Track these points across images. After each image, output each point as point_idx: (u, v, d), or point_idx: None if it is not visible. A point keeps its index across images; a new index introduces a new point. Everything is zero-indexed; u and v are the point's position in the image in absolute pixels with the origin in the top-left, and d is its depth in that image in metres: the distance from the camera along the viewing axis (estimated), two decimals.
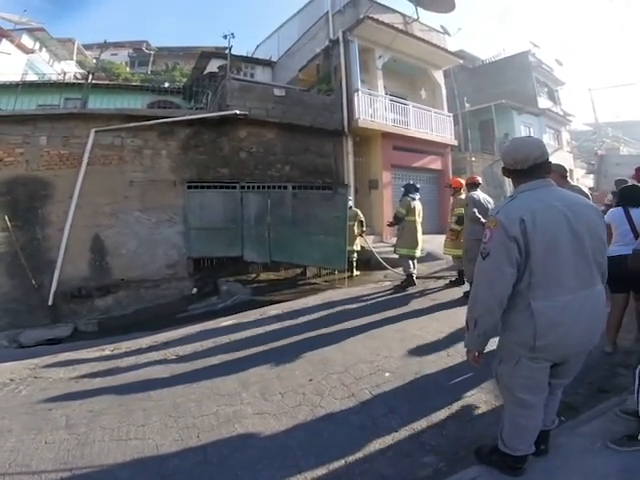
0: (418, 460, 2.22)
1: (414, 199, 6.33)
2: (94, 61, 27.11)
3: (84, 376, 3.80)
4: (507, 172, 1.87)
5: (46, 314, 7.40)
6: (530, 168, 1.75)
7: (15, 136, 7.54)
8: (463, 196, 5.87)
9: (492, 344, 1.92)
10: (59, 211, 7.64)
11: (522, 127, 17.92)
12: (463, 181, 6.11)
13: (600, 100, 32.39)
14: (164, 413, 2.90)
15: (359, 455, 2.29)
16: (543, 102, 19.79)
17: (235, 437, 2.54)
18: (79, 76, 18.49)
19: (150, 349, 4.47)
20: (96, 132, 7.82)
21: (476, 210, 5.28)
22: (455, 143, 13.07)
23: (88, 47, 27.74)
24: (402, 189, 6.66)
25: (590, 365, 2.29)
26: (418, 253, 6.35)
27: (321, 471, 2.17)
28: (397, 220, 6.30)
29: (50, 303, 7.45)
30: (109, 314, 7.57)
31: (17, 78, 13.81)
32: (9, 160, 7.47)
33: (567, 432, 2.21)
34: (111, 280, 7.86)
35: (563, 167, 3.98)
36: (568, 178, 4.26)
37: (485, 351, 1.87)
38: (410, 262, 6.27)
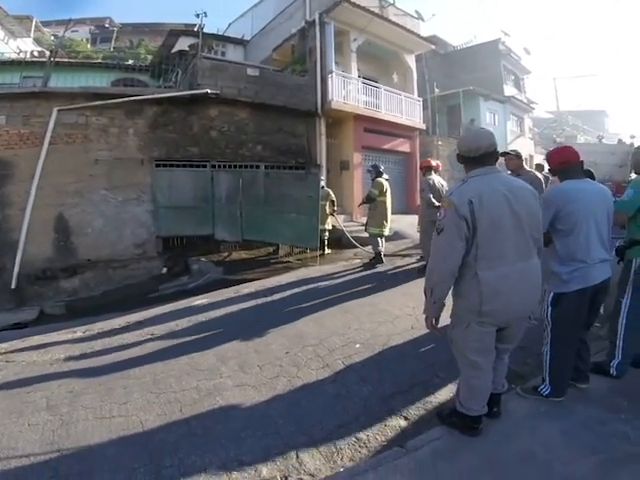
0: (388, 423, 2.40)
1: (386, 180, 6.49)
2: (52, 38, 25.54)
3: (59, 358, 3.75)
4: (461, 159, 2.10)
5: (9, 298, 7.20)
6: (481, 156, 1.99)
7: None
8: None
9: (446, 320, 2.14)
10: (20, 191, 7.39)
11: (487, 113, 18.38)
12: (433, 162, 6.25)
13: (563, 89, 33.60)
14: (145, 390, 2.93)
15: (335, 421, 2.44)
16: (509, 89, 20.31)
17: (217, 409, 2.63)
18: (36, 54, 17.43)
19: (124, 329, 4.44)
20: (59, 111, 7.56)
21: (431, 195, 5.52)
22: (424, 127, 13.34)
23: (46, 24, 26.18)
24: (370, 170, 6.78)
25: (538, 338, 2.52)
26: (387, 232, 6.55)
27: (302, 438, 2.29)
28: (369, 200, 6.44)
29: (13, 286, 7.27)
30: (76, 296, 7.42)
31: None
32: None
33: (517, 398, 2.46)
34: (77, 260, 7.69)
35: (520, 154, 4.35)
36: (524, 164, 4.59)
37: (440, 325, 2.08)
38: (379, 240, 6.47)
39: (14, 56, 15.20)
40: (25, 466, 2.18)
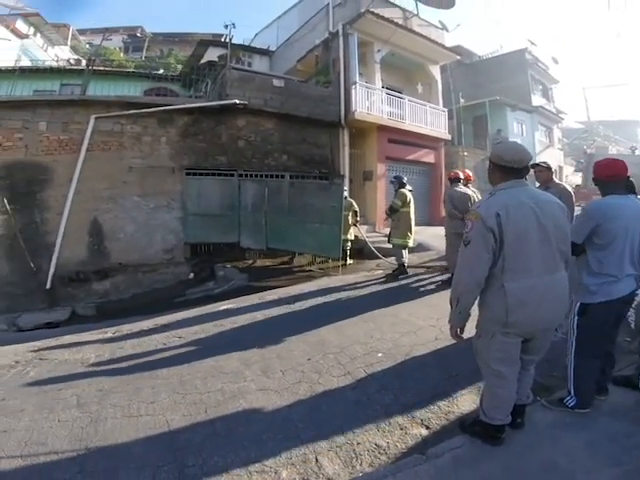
0: (409, 431, 2.41)
1: (410, 191, 6.50)
2: (87, 46, 26.69)
3: (89, 358, 3.89)
4: (497, 167, 2.09)
5: (44, 298, 7.45)
6: (522, 168, 2.03)
7: (14, 121, 7.57)
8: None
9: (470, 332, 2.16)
10: (58, 195, 7.69)
11: (515, 124, 18.12)
12: (462, 174, 6.17)
13: (594, 99, 32.76)
14: (172, 390, 3.02)
15: (355, 427, 2.46)
16: (537, 99, 19.97)
17: (241, 411, 2.70)
18: (73, 61, 18.24)
19: (151, 331, 4.59)
20: (96, 118, 7.86)
21: (452, 206, 5.51)
22: (449, 137, 13.25)
23: (82, 32, 27.37)
24: (392, 181, 6.80)
25: (565, 352, 2.50)
26: (411, 243, 6.53)
27: (322, 443, 2.33)
28: (392, 211, 6.45)
29: (48, 287, 7.51)
30: (107, 298, 7.66)
31: (10, 63, 13.61)
32: (8, 145, 7.51)
33: (541, 409, 2.45)
34: (109, 264, 7.95)
35: (550, 166, 4.28)
36: (554, 176, 4.53)
37: (465, 337, 2.12)
38: (403, 252, 6.46)
39: (53, 64, 15.87)
40: (53, 461, 2.26)
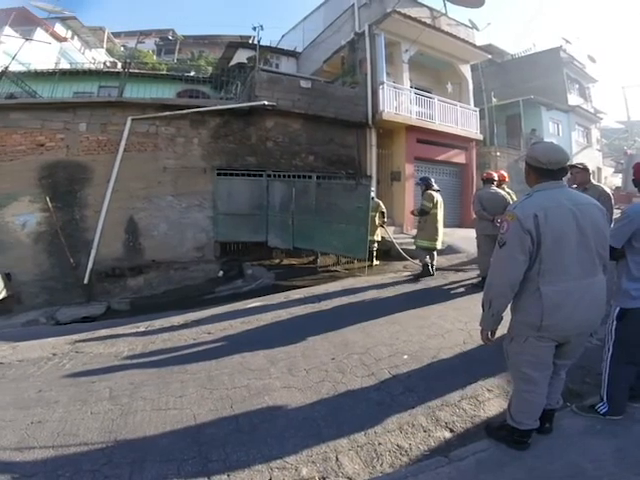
0: (432, 434, 2.39)
1: (437, 192, 6.42)
2: (122, 49, 27.63)
3: (122, 351, 4.04)
4: (533, 169, 2.05)
5: (81, 292, 7.81)
6: (559, 170, 1.98)
7: (56, 122, 7.95)
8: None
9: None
10: (97, 194, 8.03)
11: (550, 123, 17.54)
12: (496, 174, 6.01)
13: (634, 98, 31.27)
14: (200, 385, 3.09)
15: (378, 428, 2.45)
16: (573, 99, 19.26)
17: (265, 408, 2.74)
18: (109, 64, 18.87)
19: (182, 327, 4.73)
20: (133, 120, 8.16)
21: (481, 207, 5.39)
22: (480, 137, 12.97)
23: (116, 35, 28.16)
24: (418, 183, 6.73)
25: (599, 359, 2.44)
26: (439, 245, 6.45)
27: (343, 441, 2.35)
28: (422, 213, 6.38)
29: (85, 282, 7.85)
30: (140, 294, 7.93)
31: (51, 66, 14.20)
32: (50, 145, 7.90)
33: (571, 415, 2.40)
34: (143, 261, 8.24)
35: (587, 167, 4.16)
36: (592, 178, 4.36)
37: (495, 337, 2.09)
38: (427, 254, 6.38)
39: (91, 66, 16.46)
40: (82, 452, 2.34)
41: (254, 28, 10.64)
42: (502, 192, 5.63)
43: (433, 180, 6.60)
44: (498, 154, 14.49)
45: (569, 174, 3.96)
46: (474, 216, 6.05)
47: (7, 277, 7.38)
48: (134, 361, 3.76)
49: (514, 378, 2.14)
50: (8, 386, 3.36)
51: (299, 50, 15.31)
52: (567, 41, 19.62)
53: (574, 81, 20.13)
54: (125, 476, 2.12)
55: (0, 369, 3.80)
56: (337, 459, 2.20)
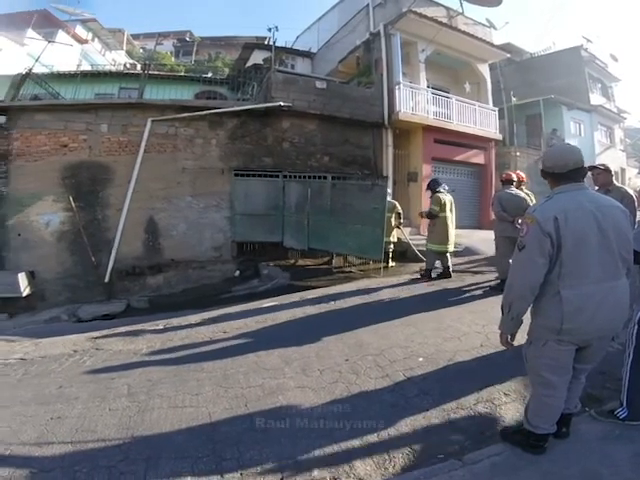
0: (446, 437, 2.35)
1: (445, 194, 6.36)
2: (141, 51, 28.12)
3: (141, 348, 4.12)
4: (545, 175, 2.06)
5: (102, 290, 7.98)
6: (568, 172, 1.94)
7: (79, 123, 8.15)
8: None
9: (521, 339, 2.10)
10: (118, 194, 8.20)
11: (572, 123, 17.12)
12: (515, 176, 5.90)
13: None
14: (215, 383, 3.12)
15: (391, 430, 2.43)
16: (596, 98, 18.73)
17: (278, 408, 2.74)
18: (129, 66, 19.23)
19: (199, 325, 4.81)
20: (152, 121, 8.30)
21: (501, 209, 5.31)
22: (500, 137, 12.78)
23: (135, 37, 28.72)
24: (428, 187, 6.68)
25: (620, 363, 2.38)
26: (451, 248, 6.39)
27: (355, 442, 2.33)
28: (430, 216, 6.36)
29: (106, 280, 8.02)
30: (159, 292, 8.08)
31: (73, 68, 14.51)
32: (74, 146, 8.10)
33: (589, 420, 2.35)
34: (162, 260, 8.38)
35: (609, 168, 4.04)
36: (614, 179, 4.24)
37: (515, 344, 2.07)
38: (436, 257, 6.36)
39: (112, 68, 16.74)
40: (100, 448, 2.38)
41: (269, 29, 10.72)
42: (522, 193, 5.54)
43: (442, 182, 6.55)
44: (518, 154, 14.23)
45: (590, 175, 3.87)
46: (493, 217, 5.97)
47: (31, 275, 7.62)
48: (152, 358, 3.82)
49: (533, 382, 2.11)
50: (30, 382, 3.46)
51: (314, 51, 15.34)
52: (588, 40, 19.14)
53: (596, 80, 19.61)
54: (140, 472, 2.15)
55: (23, 365, 3.91)
56: (349, 460, 2.20)
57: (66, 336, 4.92)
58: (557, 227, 1.82)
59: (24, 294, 7.35)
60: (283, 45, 15.77)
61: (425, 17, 10.41)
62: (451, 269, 6.38)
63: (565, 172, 1.94)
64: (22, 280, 7.33)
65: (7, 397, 3.15)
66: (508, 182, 5.59)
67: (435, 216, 6.27)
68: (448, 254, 6.40)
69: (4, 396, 3.18)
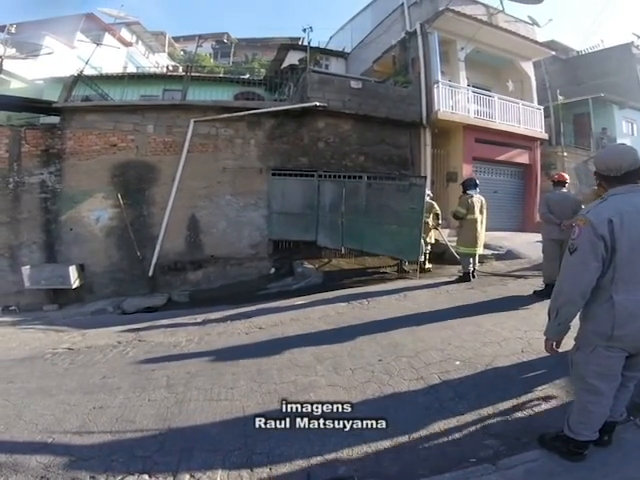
0: (480, 442, 2.29)
1: (472, 196, 6.20)
2: (182, 53, 29.00)
3: (180, 341, 4.28)
4: (599, 177, 2.00)
5: (145, 284, 8.36)
6: (623, 175, 1.86)
7: (127, 124, 8.55)
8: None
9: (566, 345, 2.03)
10: (162, 192, 8.54)
11: (623, 122, 16.10)
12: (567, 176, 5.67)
13: None
14: (250, 378, 3.17)
15: (423, 432, 2.39)
16: None
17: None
18: (171, 68, 19.91)
19: (236, 320, 4.94)
20: (195, 122, 8.57)
21: (547, 210, 5.11)
22: (545, 137, 12.27)
23: (175, 39, 29.52)
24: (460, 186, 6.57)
25: None
26: (479, 250, 6.27)
27: (385, 443, 2.30)
28: (456, 218, 6.27)
29: (150, 274, 8.39)
30: (198, 287, 8.37)
31: (119, 70, 15.19)
32: (122, 145, 8.52)
33: (633, 428, 2.25)
34: (202, 256, 8.66)
35: None
36: None
37: (561, 350, 2.00)
38: (468, 259, 6.22)
39: (156, 70, 17.46)
40: (137, 438, 2.44)
41: (304, 30, 10.79)
42: (573, 195, 5.34)
43: (476, 182, 6.42)
44: (565, 154, 13.56)
45: None
46: (538, 219, 5.75)
47: (81, 268, 8.07)
48: (191, 351, 3.96)
49: (578, 388, 2.04)
50: (76, 371, 3.66)
51: (347, 50, 15.33)
52: (638, 37, 18.06)
53: None
54: (174, 464, 2.20)
55: (70, 355, 4.15)
56: (378, 460, 2.18)
57: (111, 327, 5.18)
58: (611, 230, 1.75)
59: (74, 286, 7.78)
60: (317, 45, 15.82)
61: (463, 15, 10.19)
62: (475, 272, 6.25)
63: (620, 175, 1.87)
64: (72, 273, 7.76)
65: (54, 386, 3.33)
66: (560, 183, 5.34)
67: (460, 218, 6.17)
68: (476, 257, 6.28)
69: (51, 385, 3.36)
